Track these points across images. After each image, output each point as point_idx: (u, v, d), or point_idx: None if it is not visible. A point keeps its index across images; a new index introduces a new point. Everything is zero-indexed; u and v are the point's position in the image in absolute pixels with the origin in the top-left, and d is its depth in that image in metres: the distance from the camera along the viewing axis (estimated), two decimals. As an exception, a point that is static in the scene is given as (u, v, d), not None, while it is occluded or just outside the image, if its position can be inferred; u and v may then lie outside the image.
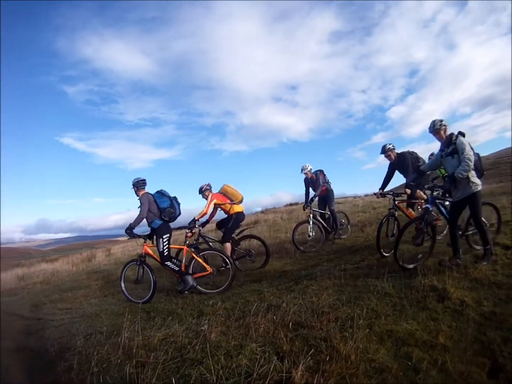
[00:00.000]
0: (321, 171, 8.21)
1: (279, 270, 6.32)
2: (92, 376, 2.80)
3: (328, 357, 2.52)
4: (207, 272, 5.61)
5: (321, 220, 8.07)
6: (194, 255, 5.61)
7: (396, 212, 5.98)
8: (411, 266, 4.68)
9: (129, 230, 5.50)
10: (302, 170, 8.16)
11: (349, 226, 8.85)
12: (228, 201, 6.78)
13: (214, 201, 6.57)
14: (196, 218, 6.29)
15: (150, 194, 5.77)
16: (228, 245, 6.64)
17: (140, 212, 5.52)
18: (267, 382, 2.31)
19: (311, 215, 7.86)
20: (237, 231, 6.96)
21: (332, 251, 7.25)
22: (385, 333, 2.90)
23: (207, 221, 7.07)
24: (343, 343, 2.69)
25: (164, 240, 5.57)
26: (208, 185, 6.79)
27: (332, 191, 8.26)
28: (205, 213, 6.41)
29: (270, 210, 22.25)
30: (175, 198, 5.84)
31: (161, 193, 5.79)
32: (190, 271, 5.58)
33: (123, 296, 5.89)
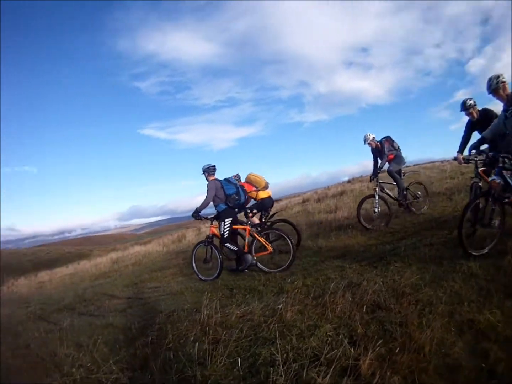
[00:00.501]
0: (387, 138, 7.76)
1: (363, 244, 6.18)
2: (167, 352, 3.06)
3: (400, 346, 2.36)
4: (268, 251, 5.91)
5: (389, 193, 7.68)
6: (256, 235, 5.95)
7: (481, 182, 5.13)
8: (482, 251, 4.04)
9: (196, 213, 6.13)
10: (364, 141, 7.83)
11: (427, 198, 8.17)
12: (254, 188, 7.07)
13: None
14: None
15: (218, 180, 6.26)
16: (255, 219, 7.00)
17: (206, 197, 6.07)
18: (331, 369, 2.25)
19: (377, 188, 7.48)
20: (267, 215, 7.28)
21: (418, 223, 6.81)
22: (466, 323, 2.61)
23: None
24: (419, 331, 2.50)
25: (226, 223, 6.05)
26: (237, 175, 7.20)
27: (400, 157, 7.78)
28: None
29: (357, 179, 21.54)
30: (241, 186, 6.36)
31: (228, 181, 6.29)
32: (252, 250, 6.00)
33: (212, 273, 6.25)
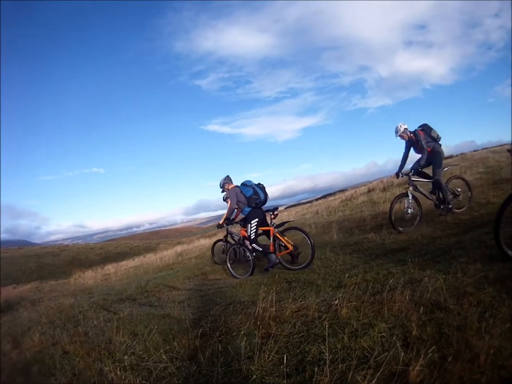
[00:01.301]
0: (423, 127, 7.50)
1: (427, 237, 6.13)
2: (217, 344, 3.26)
3: (455, 353, 2.26)
4: (288, 250, 6.68)
5: (424, 192, 7.55)
6: (278, 235, 6.80)
7: None
8: None
9: (227, 220, 7.57)
10: (395, 133, 7.68)
11: (469, 196, 7.73)
12: None
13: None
14: (220, 222, 8.38)
15: (237, 187, 7.29)
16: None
17: (230, 204, 7.25)
18: (378, 373, 2.22)
19: (410, 187, 7.42)
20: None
21: (487, 213, 6.53)
22: (528, 332, 2.43)
23: (232, 221, 7.89)
24: (477, 337, 2.36)
25: (252, 224, 6.90)
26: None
27: (439, 152, 7.51)
28: (225, 218, 8.04)
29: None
30: (257, 185, 7.15)
31: (244, 185, 7.19)
32: (276, 250, 6.84)
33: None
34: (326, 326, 3.01)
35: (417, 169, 7.58)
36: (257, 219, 6.94)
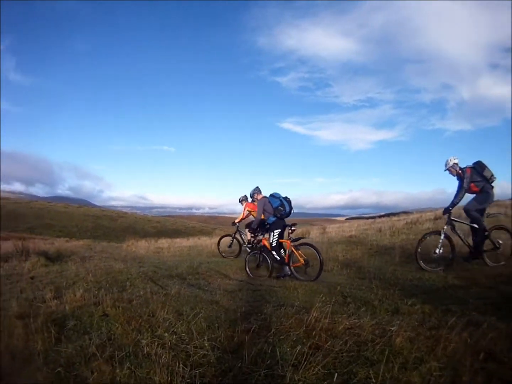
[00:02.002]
0: (475, 166, 7.30)
1: (492, 280, 6.02)
2: (264, 344, 3.28)
3: None
4: (300, 263, 7.54)
5: (461, 235, 7.41)
6: (294, 249, 7.63)
7: None
8: None
9: (251, 229, 8.53)
10: (445, 165, 7.73)
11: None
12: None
13: (247, 209, 11.02)
14: (236, 221, 11.57)
15: (265, 197, 8.31)
16: (248, 233, 10.17)
17: (257, 213, 8.23)
18: None
19: (447, 226, 7.42)
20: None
21: None
22: None
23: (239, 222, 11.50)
24: None
25: (275, 233, 7.84)
26: (244, 196, 11.21)
27: (487, 193, 7.37)
28: (242, 218, 11.33)
29: (495, 202, 19.06)
30: (285, 198, 8.11)
31: (272, 196, 8.15)
32: (290, 262, 7.73)
33: (327, 275, 7.58)
34: (378, 351, 3.04)
35: (473, 211, 7.41)
36: (279, 230, 7.90)
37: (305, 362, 2.82)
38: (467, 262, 7.26)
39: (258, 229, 8.67)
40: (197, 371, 2.85)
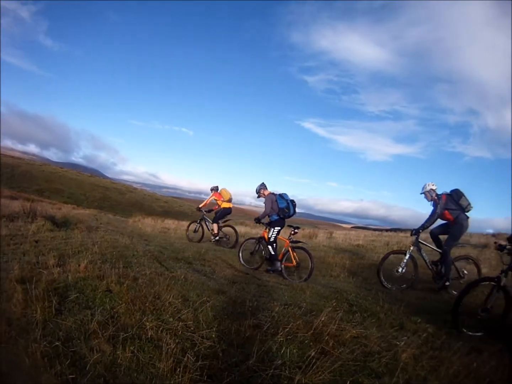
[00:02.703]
0: (452, 193, 7.49)
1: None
2: (273, 343, 3.28)
3: None
4: (292, 264, 7.96)
5: (426, 259, 7.52)
6: (290, 250, 8.05)
7: None
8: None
9: (257, 220, 8.77)
10: (422, 189, 7.84)
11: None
12: (222, 198, 11.93)
13: (213, 197, 12.09)
14: (200, 206, 12.45)
15: (274, 194, 8.49)
16: (215, 225, 11.78)
17: (265, 208, 8.42)
18: None
19: (413, 247, 7.48)
20: (222, 221, 12.01)
21: None
22: None
23: (210, 210, 12.38)
24: None
25: (275, 230, 8.26)
26: (215, 187, 12.23)
27: (462, 225, 7.35)
28: (205, 204, 12.36)
29: (503, 235, 18.94)
30: (292, 201, 8.42)
31: (281, 196, 8.42)
32: (283, 259, 8.08)
33: (334, 281, 7.64)
34: (383, 364, 3.15)
35: (435, 234, 7.68)
36: (280, 228, 8.37)
37: (313, 366, 2.84)
38: (436, 285, 7.35)
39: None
40: (203, 363, 2.78)
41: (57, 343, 2.76)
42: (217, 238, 11.69)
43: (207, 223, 12.30)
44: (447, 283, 7.10)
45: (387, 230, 28.90)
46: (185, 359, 2.76)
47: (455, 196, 7.40)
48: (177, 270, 5.61)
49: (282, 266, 7.94)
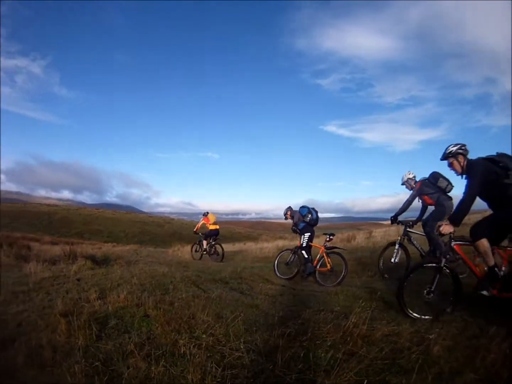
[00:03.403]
0: (429, 177, 7.67)
1: None
2: (299, 348, 3.40)
3: None
4: (326, 268, 8.17)
5: (418, 246, 7.79)
6: (325, 255, 8.31)
7: None
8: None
9: (293, 230, 9.20)
10: (401, 180, 8.19)
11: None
12: (209, 222, 14.60)
13: (203, 221, 14.90)
14: (195, 230, 15.65)
15: (296, 211, 9.17)
16: (205, 242, 14.49)
17: (294, 221, 9.07)
18: None
19: (403, 237, 7.79)
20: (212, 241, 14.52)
21: None
22: None
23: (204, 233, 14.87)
24: None
25: (305, 236, 8.70)
26: (206, 213, 14.95)
27: (443, 205, 7.46)
28: (198, 228, 15.50)
29: None
30: (312, 208, 9.06)
31: (302, 207, 9.10)
32: (317, 265, 8.31)
33: (369, 281, 7.65)
34: (414, 360, 3.06)
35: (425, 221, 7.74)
36: (309, 234, 8.80)
37: (338, 368, 2.88)
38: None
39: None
40: (230, 372, 2.96)
41: (97, 364, 3.07)
42: (205, 252, 14.28)
43: (201, 243, 14.80)
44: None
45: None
46: (213, 369, 2.97)
47: (432, 180, 7.53)
48: (213, 291, 5.82)
49: (316, 269, 8.22)
